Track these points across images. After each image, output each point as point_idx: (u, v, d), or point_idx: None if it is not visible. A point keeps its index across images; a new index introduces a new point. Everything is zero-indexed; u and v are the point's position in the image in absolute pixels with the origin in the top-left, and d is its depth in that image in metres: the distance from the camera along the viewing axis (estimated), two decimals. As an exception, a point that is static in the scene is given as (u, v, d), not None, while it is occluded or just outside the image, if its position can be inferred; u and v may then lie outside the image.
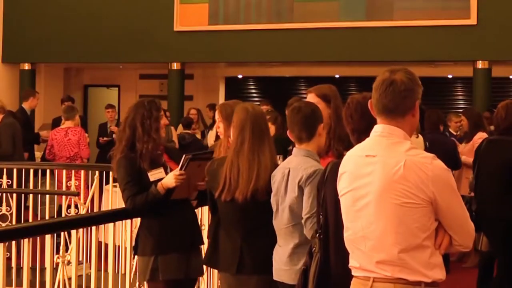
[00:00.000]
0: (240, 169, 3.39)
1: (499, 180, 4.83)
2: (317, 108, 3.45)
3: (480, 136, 6.40)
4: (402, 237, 2.36)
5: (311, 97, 3.95)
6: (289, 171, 3.30)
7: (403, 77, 2.45)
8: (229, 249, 3.48)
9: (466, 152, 6.90)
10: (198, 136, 10.19)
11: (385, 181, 2.38)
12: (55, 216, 6.64)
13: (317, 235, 2.98)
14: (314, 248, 2.99)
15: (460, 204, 2.43)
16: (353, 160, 2.54)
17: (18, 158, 7.59)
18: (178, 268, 3.75)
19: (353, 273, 2.53)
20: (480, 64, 9.68)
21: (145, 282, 4.14)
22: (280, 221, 3.33)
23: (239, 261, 3.43)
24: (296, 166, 3.29)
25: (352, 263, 2.53)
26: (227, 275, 3.53)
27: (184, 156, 3.71)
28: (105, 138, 10.02)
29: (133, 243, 4.54)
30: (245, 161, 3.40)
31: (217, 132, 4.26)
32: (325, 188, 2.95)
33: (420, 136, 6.69)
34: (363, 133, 2.79)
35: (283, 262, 3.30)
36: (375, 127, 2.52)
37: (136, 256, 4.58)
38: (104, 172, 6.63)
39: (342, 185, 2.56)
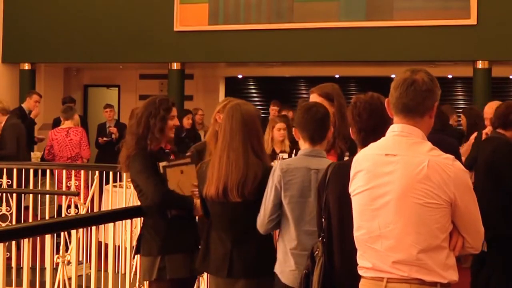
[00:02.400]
0: (216, 166, 3.43)
1: (484, 179, 4.93)
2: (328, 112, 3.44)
3: (475, 136, 6.41)
4: (423, 237, 2.36)
5: (314, 97, 3.95)
6: (318, 172, 3.22)
7: (424, 77, 2.45)
8: (220, 253, 3.47)
9: (464, 152, 6.91)
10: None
11: (407, 180, 2.37)
12: (55, 216, 6.64)
13: (320, 238, 2.97)
14: (316, 252, 2.97)
15: (476, 206, 2.46)
16: (370, 158, 2.51)
17: (22, 158, 7.61)
18: (184, 267, 3.77)
19: (363, 273, 2.51)
20: (480, 64, 9.67)
21: (145, 282, 4.15)
22: (313, 224, 3.22)
23: (229, 265, 3.42)
24: None
25: (363, 263, 2.51)
26: (216, 278, 3.52)
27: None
28: (104, 138, 10.03)
29: (134, 243, 4.55)
30: (216, 158, 3.44)
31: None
32: (327, 190, 2.94)
33: None
34: (370, 132, 2.79)
35: None
36: (393, 126, 2.51)
37: (136, 256, 4.59)
38: (104, 172, 6.63)
39: (358, 184, 2.53)
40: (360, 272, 2.53)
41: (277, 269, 3.38)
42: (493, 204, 4.83)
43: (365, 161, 2.53)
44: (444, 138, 7.15)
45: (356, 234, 2.54)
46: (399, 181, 2.39)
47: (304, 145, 3.36)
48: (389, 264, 2.41)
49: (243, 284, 3.40)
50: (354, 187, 2.56)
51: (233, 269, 3.42)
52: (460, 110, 10.17)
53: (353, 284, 2.61)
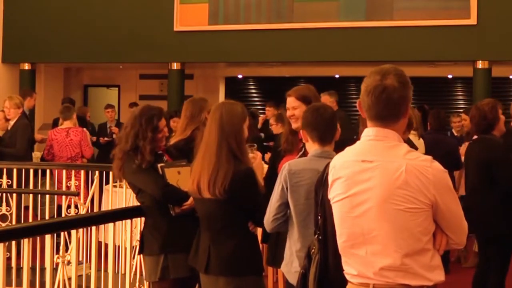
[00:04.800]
0: (197, 161, 3.49)
1: (478, 180, 5.00)
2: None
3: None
4: (406, 242, 2.34)
5: (291, 101, 3.97)
6: None
7: (395, 82, 2.37)
8: (202, 249, 3.54)
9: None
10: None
11: (386, 187, 2.34)
12: (55, 216, 6.64)
13: (316, 236, 2.97)
14: (313, 250, 2.98)
15: (458, 203, 2.43)
16: (347, 165, 2.46)
17: (29, 159, 7.64)
18: (187, 266, 3.79)
19: (349, 278, 2.49)
20: (480, 64, 9.67)
21: (145, 282, 4.15)
22: None
23: (207, 261, 3.47)
24: None
25: (348, 270, 2.49)
26: (201, 273, 3.58)
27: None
28: (105, 138, 10.03)
29: (133, 243, 4.55)
30: (197, 155, 3.50)
31: None
32: (323, 188, 2.94)
33: (421, 138, 6.68)
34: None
35: None
36: (367, 130, 2.46)
37: (136, 256, 4.60)
38: (104, 172, 6.62)
39: (336, 191, 2.50)
40: (347, 277, 2.51)
41: (284, 268, 3.42)
42: (490, 203, 4.90)
43: (342, 168, 2.48)
44: (443, 138, 7.20)
45: (339, 241, 2.51)
46: (378, 188, 2.35)
47: (313, 146, 3.37)
48: (375, 271, 2.38)
49: (223, 282, 3.43)
50: (333, 194, 2.52)
51: (209, 266, 3.46)
52: (461, 110, 10.20)
53: (346, 283, 2.61)
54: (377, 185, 2.36)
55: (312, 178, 3.25)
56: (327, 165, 2.98)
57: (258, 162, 3.82)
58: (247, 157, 3.53)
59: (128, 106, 11.35)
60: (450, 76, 12.88)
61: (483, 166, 4.95)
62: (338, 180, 2.49)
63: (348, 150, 2.54)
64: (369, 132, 2.45)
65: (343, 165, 2.49)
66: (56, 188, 7.23)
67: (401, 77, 2.41)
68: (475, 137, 5.20)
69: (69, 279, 4.00)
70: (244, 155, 3.48)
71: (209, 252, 3.47)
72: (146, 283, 4.27)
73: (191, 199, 3.77)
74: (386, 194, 2.34)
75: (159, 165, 3.84)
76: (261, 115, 10.57)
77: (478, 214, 4.92)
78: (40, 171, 7.56)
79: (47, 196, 6.34)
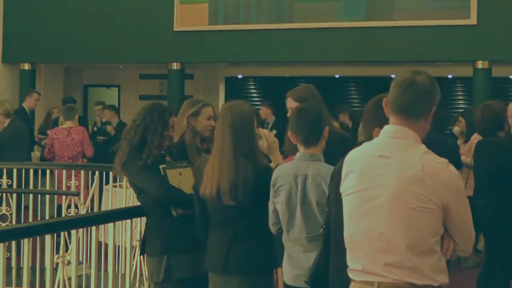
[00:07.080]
0: (210, 169, 3.43)
1: (492, 180, 4.99)
2: (322, 111, 3.45)
3: (476, 137, 6.45)
4: (413, 241, 2.34)
5: (290, 102, 3.97)
6: (305, 178, 3.25)
7: (425, 80, 2.43)
8: (217, 250, 3.50)
9: (464, 152, 6.96)
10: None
11: (401, 183, 2.34)
12: (55, 216, 6.64)
13: (322, 228, 3.01)
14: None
15: (468, 210, 2.43)
16: (363, 159, 2.47)
17: (22, 160, 7.63)
18: (190, 267, 3.79)
19: (353, 277, 2.48)
20: (480, 64, 9.67)
21: (145, 282, 4.15)
22: (303, 229, 3.29)
23: (225, 262, 3.44)
24: (317, 174, 3.23)
25: (353, 265, 2.48)
26: (213, 274, 3.55)
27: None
28: (101, 137, 10.02)
29: (134, 243, 4.55)
30: (211, 160, 3.45)
31: None
32: (331, 182, 2.96)
33: None
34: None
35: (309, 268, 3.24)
36: (386, 127, 2.47)
37: (136, 256, 4.60)
38: (104, 172, 6.62)
39: (349, 184, 2.50)
40: (350, 275, 2.49)
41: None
42: (503, 203, 4.91)
43: (357, 161, 2.49)
44: (444, 139, 7.18)
45: (346, 235, 2.51)
46: (392, 184, 2.36)
47: (299, 149, 3.36)
48: (380, 266, 2.38)
49: (238, 281, 3.42)
50: (345, 187, 2.52)
51: (228, 267, 3.44)
52: (461, 110, 10.20)
53: (338, 276, 2.64)
54: (391, 181, 2.36)
55: (291, 182, 3.28)
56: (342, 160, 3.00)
57: (270, 140, 3.79)
58: (260, 157, 3.51)
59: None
60: (450, 76, 12.87)
61: (497, 167, 4.95)
62: (351, 174, 2.49)
63: (365, 144, 2.56)
64: (389, 129, 2.46)
65: (358, 158, 2.51)
66: (56, 188, 7.23)
67: (431, 78, 2.47)
68: (477, 137, 5.19)
69: (69, 279, 4.00)
70: (256, 155, 3.46)
71: (227, 254, 3.44)
72: (146, 283, 4.27)
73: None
74: (399, 191, 2.35)
75: (161, 166, 3.83)
76: None
77: (490, 214, 4.93)
78: (40, 171, 7.56)
79: (47, 196, 6.34)
